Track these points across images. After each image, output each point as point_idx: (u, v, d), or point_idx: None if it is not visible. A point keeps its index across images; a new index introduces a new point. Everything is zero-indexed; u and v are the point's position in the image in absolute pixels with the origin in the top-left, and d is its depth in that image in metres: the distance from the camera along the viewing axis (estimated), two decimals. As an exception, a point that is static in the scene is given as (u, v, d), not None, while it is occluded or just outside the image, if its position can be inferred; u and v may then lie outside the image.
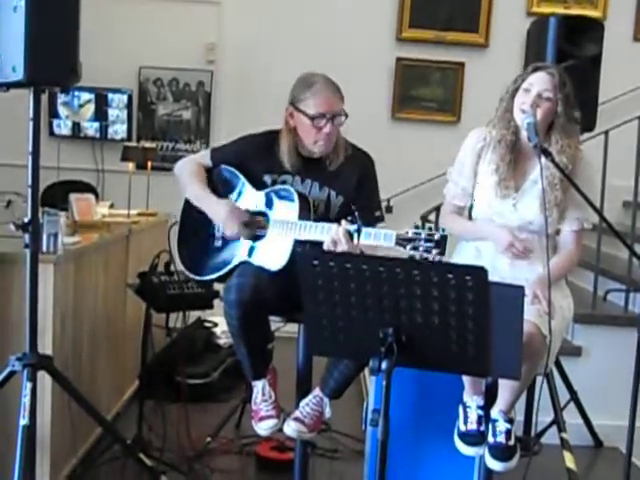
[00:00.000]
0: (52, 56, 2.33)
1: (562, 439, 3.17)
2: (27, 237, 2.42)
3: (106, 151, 5.50)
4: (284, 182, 2.68)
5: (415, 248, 2.13)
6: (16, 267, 2.61)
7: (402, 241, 2.16)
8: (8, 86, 2.38)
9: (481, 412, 2.45)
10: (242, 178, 2.74)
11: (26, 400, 2.35)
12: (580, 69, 3.09)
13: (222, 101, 5.58)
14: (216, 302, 3.17)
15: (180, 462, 3.13)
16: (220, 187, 2.76)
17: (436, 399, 2.59)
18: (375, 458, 1.90)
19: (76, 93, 5.42)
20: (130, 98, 5.51)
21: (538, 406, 2.41)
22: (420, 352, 1.89)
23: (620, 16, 5.46)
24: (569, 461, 3.09)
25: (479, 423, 2.44)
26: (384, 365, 1.84)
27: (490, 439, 2.39)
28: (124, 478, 3.04)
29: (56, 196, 3.89)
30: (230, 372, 4.12)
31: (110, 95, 5.47)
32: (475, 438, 2.42)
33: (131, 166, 4.22)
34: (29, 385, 2.38)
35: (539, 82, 2.49)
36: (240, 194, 2.74)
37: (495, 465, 2.37)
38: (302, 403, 2.65)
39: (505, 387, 2.37)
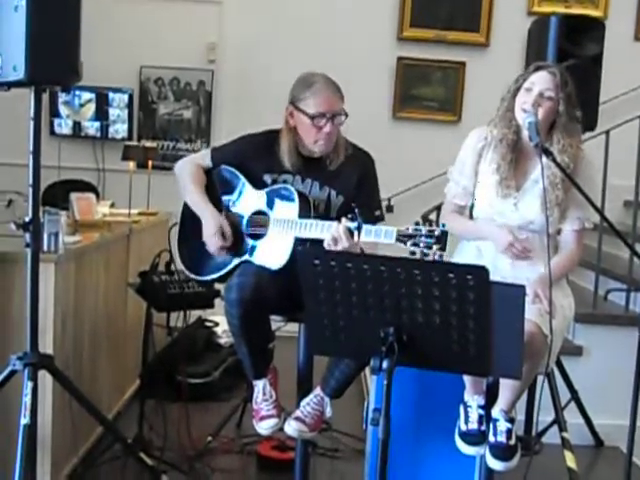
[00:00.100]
0: (53, 55, 2.34)
1: (563, 438, 3.17)
2: (28, 236, 2.42)
3: (107, 150, 5.51)
4: (284, 182, 2.68)
5: (416, 244, 2.13)
6: (17, 266, 2.62)
7: (402, 237, 2.16)
8: (9, 85, 2.38)
9: (482, 411, 2.45)
10: (242, 178, 2.74)
11: (27, 399, 2.35)
12: (581, 69, 3.09)
13: (223, 100, 5.59)
14: (217, 301, 3.18)
15: (181, 461, 3.14)
16: (220, 187, 2.77)
17: (437, 398, 2.59)
18: (376, 457, 1.91)
19: (77, 92, 5.42)
20: (131, 97, 5.51)
21: (539, 405, 2.41)
22: (421, 351, 1.89)
23: (621, 15, 5.46)
24: (570, 460, 3.09)
25: (480, 422, 2.43)
26: (385, 364, 1.84)
27: (491, 438, 2.39)
28: (125, 477, 3.04)
29: (57, 195, 3.89)
30: (231, 371, 4.12)
31: (111, 94, 5.48)
32: (476, 437, 2.42)
33: (132, 165, 4.22)
34: (30, 384, 2.38)
35: (541, 81, 2.49)
36: (240, 194, 2.74)
37: (496, 465, 2.37)
38: (303, 402, 2.65)
39: (506, 386, 2.37)
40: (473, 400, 2.47)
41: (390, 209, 5.11)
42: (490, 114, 2.63)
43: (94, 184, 5.40)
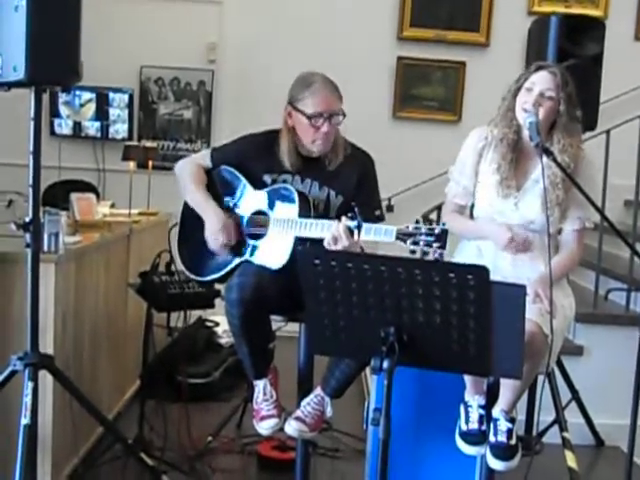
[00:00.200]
0: (53, 56, 2.33)
1: (563, 438, 3.17)
2: (28, 236, 2.42)
3: (107, 150, 5.51)
4: (284, 181, 2.68)
5: (415, 243, 2.13)
6: (17, 266, 2.61)
7: (402, 236, 2.16)
8: (9, 85, 2.38)
9: (482, 411, 2.44)
10: (242, 179, 2.74)
11: (27, 399, 2.35)
12: (581, 68, 3.09)
13: (223, 100, 5.59)
14: (217, 301, 3.18)
15: (181, 462, 3.14)
16: (221, 188, 2.77)
17: (437, 398, 2.58)
18: (376, 457, 1.90)
19: (77, 92, 5.42)
20: (131, 97, 5.51)
21: (540, 405, 2.41)
22: (421, 351, 1.89)
23: (621, 15, 5.46)
24: (570, 460, 3.10)
25: (480, 422, 2.43)
26: (385, 364, 1.84)
27: (491, 438, 2.39)
28: (125, 478, 3.04)
29: (57, 195, 3.89)
30: (231, 371, 4.12)
31: (111, 94, 5.48)
32: (476, 437, 2.42)
33: (132, 165, 4.22)
34: (30, 384, 2.38)
35: (541, 81, 2.49)
36: (241, 194, 2.74)
37: (496, 464, 2.37)
38: (303, 402, 2.64)
39: (506, 386, 2.37)
40: (474, 400, 2.47)
41: (390, 209, 5.11)
42: (490, 114, 2.63)
43: (94, 184, 5.40)
